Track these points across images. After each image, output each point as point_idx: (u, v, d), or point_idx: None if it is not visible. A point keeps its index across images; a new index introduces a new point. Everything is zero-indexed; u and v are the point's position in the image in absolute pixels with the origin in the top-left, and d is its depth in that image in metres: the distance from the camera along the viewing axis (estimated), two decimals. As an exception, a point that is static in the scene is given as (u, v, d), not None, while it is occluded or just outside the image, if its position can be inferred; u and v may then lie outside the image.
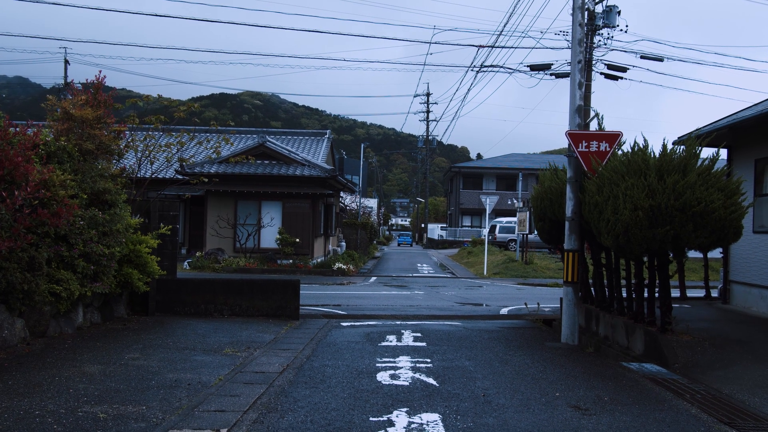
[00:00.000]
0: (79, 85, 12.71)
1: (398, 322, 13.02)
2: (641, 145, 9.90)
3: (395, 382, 7.54)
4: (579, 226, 11.01)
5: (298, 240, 27.37)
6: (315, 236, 29.20)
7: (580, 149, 10.83)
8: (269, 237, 27.81)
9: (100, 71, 12.36)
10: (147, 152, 14.14)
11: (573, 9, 11.80)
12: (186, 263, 26.26)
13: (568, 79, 11.93)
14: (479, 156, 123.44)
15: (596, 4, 24.66)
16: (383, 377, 7.77)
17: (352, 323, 12.77)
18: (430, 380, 7.66)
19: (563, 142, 11.53)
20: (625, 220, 9.03)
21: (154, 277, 11.87)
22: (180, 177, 23.31)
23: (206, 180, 15.97)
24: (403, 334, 11.29)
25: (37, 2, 20.36)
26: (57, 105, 12.06)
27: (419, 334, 11.27)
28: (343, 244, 40.05)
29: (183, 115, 15.11)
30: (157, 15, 21.86)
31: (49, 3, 20.99)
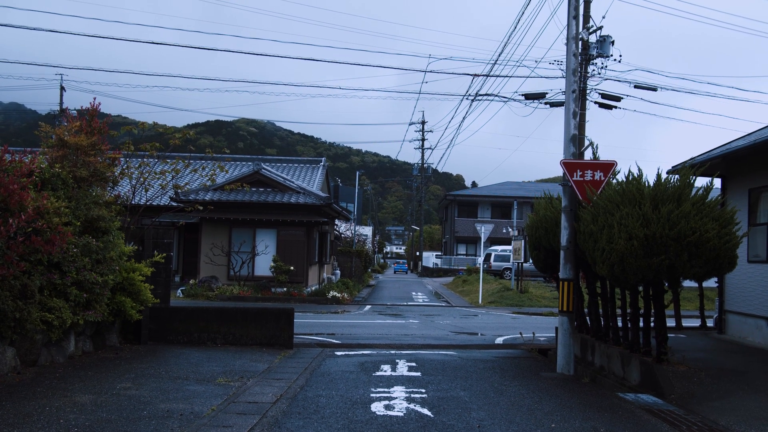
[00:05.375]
0: (74, 111, 12.74)
1: (393, 352, 12.94)
2: (636, 175, 9.94)
3: (390, 412, 7.47)
4: (574, 255, 11.00)
5: (292, 268, 27.28)
6: (309, 264, 29.13)
7: (575, 178, 10.86)
8: (263, 265, 27.71)
9: (95, 98, 12.38)
10: (142, 179, 14.13)
11: (567, 39, 11.90)
12: (179, 291, 26.12)
13: (563, 108, 12.00)
14: (474, 184, 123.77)
15: (590, 33, 24.89)
16: (378, 408, 7.70)
17: (347, 352, 12.68)
18: (425, 411, 7.59)
19: (558, 171, 11.60)
20: (620, 249, 9.03)
21: (147, 306, 11.79)
22: (175, 204, 23.31)
23: (201, 207, 15.94)
24: (397, 363, 11.21)
25: (34, 30, 20.47)
26: (51, 132, 12.07)
27: (414, 364, 11.19)
28: (338, 272, 39.94)
29: (178, 143, 15.12)
30: (153, 43, 21.95)
31: (46, 31, 21.07)
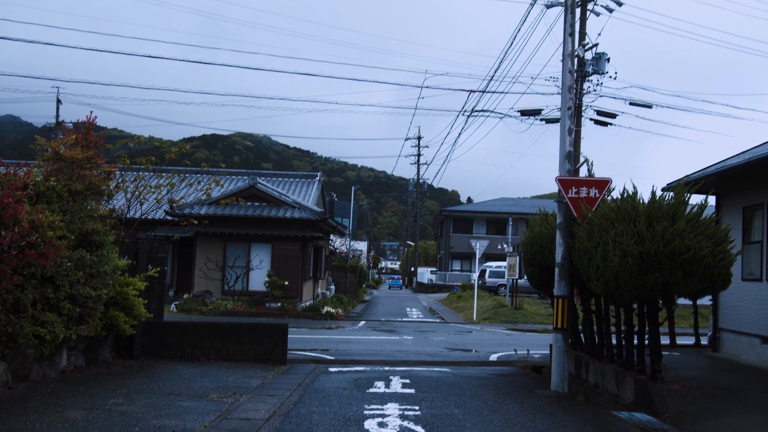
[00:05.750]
0: (70, 124, 12.75)
1: (387, 368, 12.89)
2: (630, 192, 9.96)
3: (383, 430, 7.43)
4: (569, 272, 11.00)
5: (287, 283, 27.21)
6: (304, 279, 29.06)
7: (570, 195, 10.88)
8: (258, 280, 27.64)
9: (91, 111, 12.39)
10: (137, 193, 14.12)
11: (563, 56, 11.97)
12: (173, 305, 26.02)
13: (558, 124, 12.04)
14: (470, 200, 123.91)
15: (586, 51, 25.01)
16: (371, 425, 7.66)
17: (340, 369, 12.63)
18: (419, 428, 7.56)
19: (553, 187, 11.60)
20: (614, 266, 9.03)
21: (140, 320, 11.73)
22: (170, 218, 23.27)
23: (196, 222, 15.91)
24: (391, 380, 11.17)
25: (31, 42, 20.51)
26: (47, 145, 12.07)
27: (408, 381, 11.15)
28: (333, 287, 39.86)
29: (174, 157, 15.14)
30: (150, 56, 21.99)
31: (44, 44, 21.14)
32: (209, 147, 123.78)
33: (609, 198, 10.72)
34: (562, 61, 12.00)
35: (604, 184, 10.91)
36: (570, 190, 10.89)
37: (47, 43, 21.10)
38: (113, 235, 11.52)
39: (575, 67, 12.53)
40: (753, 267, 13.04)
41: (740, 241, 13.00)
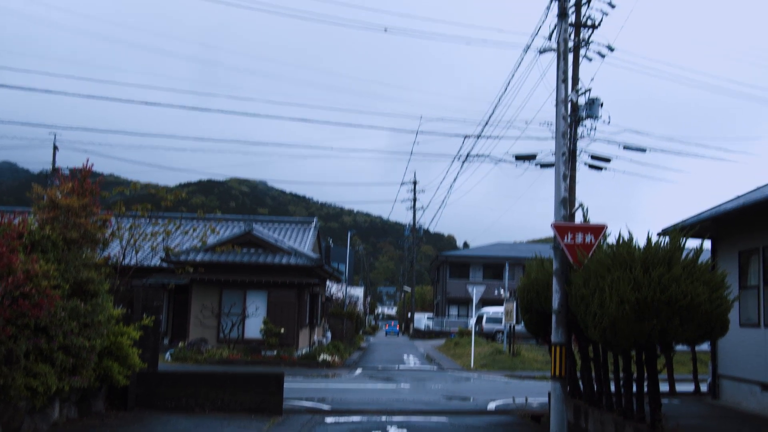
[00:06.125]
0: (67, 171, 12.78)
1: (384, 418, 12.72)
2: (626, 238, 9.96)
3: (380, 482, 7.31)
4: (566, 319, 10.94)
5: (282, 330, 27.01)
6: (300, 326, 28.87)
7: (565, 241, 10.88)
8: (254, 327, 27.43)
9: (88, 159, 12.45)
10: (132, 241, 14.09)
11: (556, 102, 12.08)
12: (168, 354, 25.76)
13: (553, 169, 12.09)
14: (466, 244, 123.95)
15: (579, 95, 25.29)
16: (368, 477, 7.53)
17: (337, 419, 12.47)
18: (417, 481, 7.43)
19: (549, 231, 11.61)
20: (611, 313, 8.99)
21: (134, 370, 11.59)
22: (165, 266, 23.21)
23: (191, 270, 15.84)
24: (388, 430, 11.02)
25: (29, 90, 20.67)
26: (43, 193, 12.09)
27: (405, 431, 11.00)
28: (329, 334, 39.57)
29: (170, 204, 15.15)
30: (146, 103, 22.18)
31: (41, 91, 21.29)
32: (205, 192, 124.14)
33: (605, 244, 10.72)
34: (556, 107, 12.11)
35: (599, 230, 10.92)
36: (566, 237, 10.90)
37: (45, 91, 21.29)
38: (108, 283, 11.46)
39: (569, 112, 12.65)
40: (750, 312, 13.00)
41: (737, 286, 12.99)
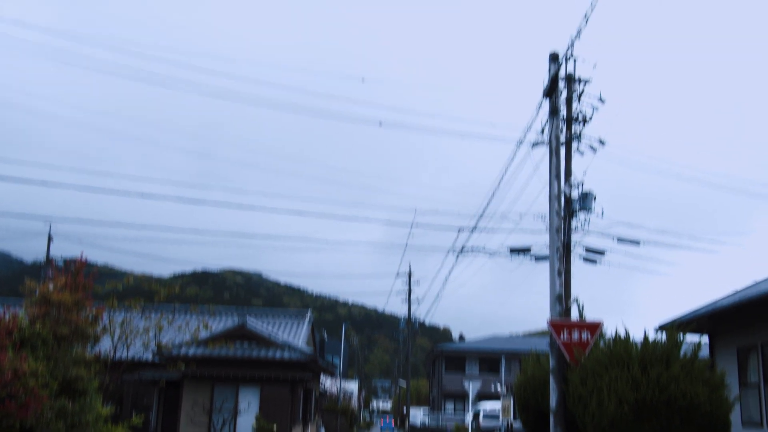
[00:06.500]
0: (61, 262, 12.76)
1: None
2: (622, 336, 9.89)
3: None
4: (564, 419, 10.71)
5: (275, 427, 26.34)
6: (293, 423, 28.18)
7: (562, 339, 10.78)
8: (246, 424, 26.74)
9: (82, 252, 12.45)
10: (124, 336, 13.92)
11: (550, 198, 12.22)
12: (156, 451, 25.03)
13: (548, 261, 12.09)
14: (462, 337, 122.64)
15: (572, 189, 25.55)
16: None
17: None
18: None
19: (544, 323, 11.51)
20: (610, 414, 8.84)
21: (121, 471, 11.24)
22: (157, 361, 22.83)
23: (183, 366, 15.58)
24: None
25: (25, 183, 20.83)
26: (35, 287, 12.02)
27: None
28: (323, 429, 38.63)
29: (163, 299, 15.05)
30: (143, 196, 22.35)
31: (37, 185, 21.46)
32: (200, 283, 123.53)
33: (601, 342, 10.63)
34: (549, 202, 12.24)
35: (595, 328, 10.85)
36: (562, 334, 10.81)
37: (41, 183, 21.46)
38: (98, 380, 11.25)
39: (562, 207, 12.79)
40: (752, 411, 12.76)
41: (736, 383, 12.81)
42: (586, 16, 10.78)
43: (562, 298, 11.58)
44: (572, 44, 11.98)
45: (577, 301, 12.24)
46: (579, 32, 11.32)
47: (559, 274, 11.64)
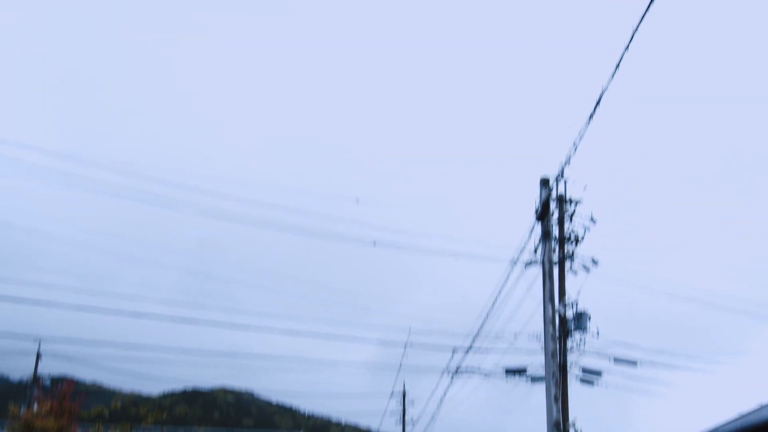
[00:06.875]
0: (48, 381, 12.55)
1: None
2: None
3: None
4: None
5: None
6: None
7: (560, 470, 10.45)
8: None
9: (70, 379, 12.25)
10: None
11: (544, 321, 12.12)
12: None
13: (544, 382, 11.83)
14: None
15: (567, 309, 25.38)
16: None
17: None
18: None
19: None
20: None
21: None
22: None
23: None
24: None
25: (16, 303, 20.66)
26: (17, 414, 11.76)
27: None
28: None
29: (150, 423, 14.69)
30: (136, 316, 22.10)
31: (29, 304, 21.29)
32: (189, 402, 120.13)
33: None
34: (544, 326, 12.14)
35: (595, 457, 10.54)
36: (560, 464, 10.48)
37: (33, 303, 21.28)
38: None
39: (557, 330, 12.70)
40: None
41: None
42: (575, 144, 11.04)
43: (560, 424, 11.30)
44: (562, 171, 12.21)
45: (575, 425, 11.94)
46: (569, 159, 11.58)
47: (556, 399, 11.41)
